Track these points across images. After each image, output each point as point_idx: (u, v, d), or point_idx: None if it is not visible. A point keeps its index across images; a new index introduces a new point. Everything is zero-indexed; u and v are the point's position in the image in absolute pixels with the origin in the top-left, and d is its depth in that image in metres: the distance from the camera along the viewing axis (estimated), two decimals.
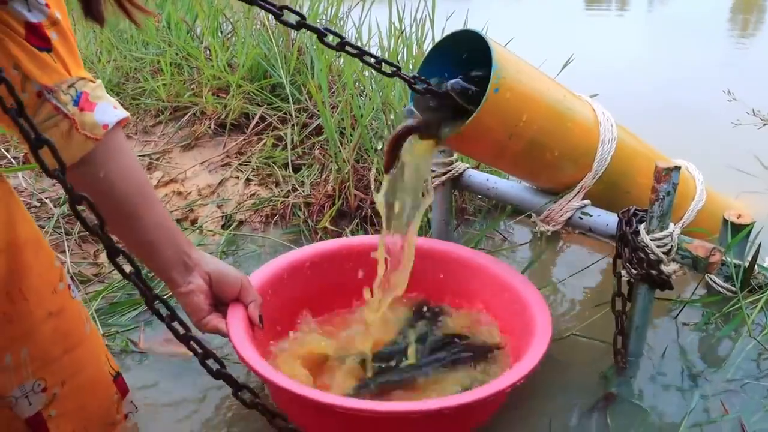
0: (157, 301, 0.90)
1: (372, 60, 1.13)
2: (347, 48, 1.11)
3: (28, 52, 0.88)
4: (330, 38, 1.08)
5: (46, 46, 0.90)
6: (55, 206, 1.75)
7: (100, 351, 1.09)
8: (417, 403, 0.98)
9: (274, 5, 1.02)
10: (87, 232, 1.66)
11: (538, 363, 1.03)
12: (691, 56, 4.00)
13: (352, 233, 1.78)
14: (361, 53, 1.11)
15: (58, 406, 0.99)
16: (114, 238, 0.90)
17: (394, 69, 1.15)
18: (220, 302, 1.14)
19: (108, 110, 0.97)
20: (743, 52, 4.45)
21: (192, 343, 0.92)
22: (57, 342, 0.98)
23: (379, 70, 1.15)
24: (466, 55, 1.19)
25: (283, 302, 1.28)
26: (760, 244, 1.42)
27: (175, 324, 0.92)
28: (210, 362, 0.94)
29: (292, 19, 1.05)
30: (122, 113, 1.00)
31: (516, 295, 1.23)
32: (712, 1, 6.28)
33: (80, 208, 0.81)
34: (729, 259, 1.35)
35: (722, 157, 2.14)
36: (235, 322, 1.10)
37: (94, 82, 0.98)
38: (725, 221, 1.41)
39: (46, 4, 0.89)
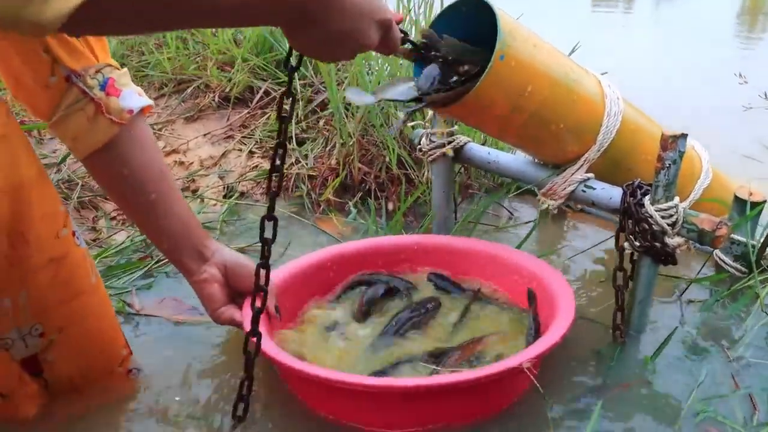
0: None
1: None
2: None
3: (58, 37, 0.92)
4: None
5: None
6: (55, 171, 1.74)
7: (108, 302, 1.08)
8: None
9: None
10: (86, 198, 1.68)
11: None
12: (699, 53, 3.96)
13: (355, 207, 1.77)
14: None
15: (55, 351, 0.99)
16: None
17: None
18: (236, 294, 1.14)
19: (133, 97, 1.03)
20: (750, 51, 4.39)
21: None
22: (57, 289, 0.97)
23: None
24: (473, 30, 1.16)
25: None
26: None
27: None
28: None
29: None
30: (146, 101, 1.05)
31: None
32: (718, 4, 6.22)
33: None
34: (740, 238, 1.31)
35: (729, 143, 2.12)
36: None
37: (120, 69, 1.03)
38: (737, 198, 1.37)
39: None
